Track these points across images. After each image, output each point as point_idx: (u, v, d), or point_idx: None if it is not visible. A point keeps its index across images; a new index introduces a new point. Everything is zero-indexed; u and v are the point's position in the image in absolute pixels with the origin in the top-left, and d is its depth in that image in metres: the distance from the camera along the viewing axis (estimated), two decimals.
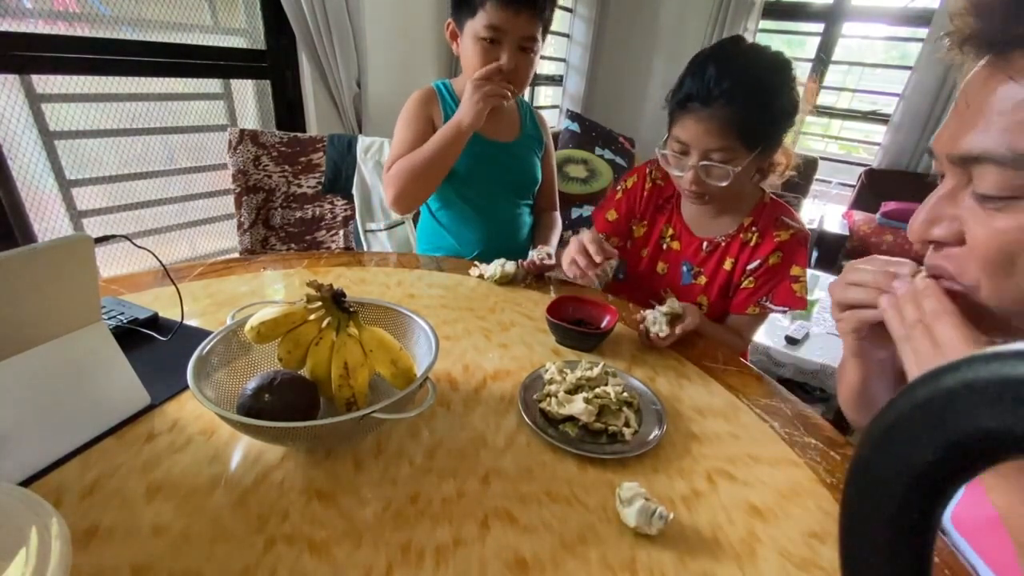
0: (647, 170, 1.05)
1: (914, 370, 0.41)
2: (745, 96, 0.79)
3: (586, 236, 0.88)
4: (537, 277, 1.06)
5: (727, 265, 0.96)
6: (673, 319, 0.80)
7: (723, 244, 0.96)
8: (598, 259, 0.85)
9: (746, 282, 0.95)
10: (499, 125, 1.16)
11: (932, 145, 0.43)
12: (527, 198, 1.24)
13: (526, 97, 1.24)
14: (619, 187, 1.10)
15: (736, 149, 0.82)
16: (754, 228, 0.94)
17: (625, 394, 0.66)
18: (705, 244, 0.98)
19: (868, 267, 0.48)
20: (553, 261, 1.03)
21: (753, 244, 0.94)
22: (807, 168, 2.84)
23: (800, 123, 0.87)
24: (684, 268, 1.01)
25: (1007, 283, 0.38)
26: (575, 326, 0.82)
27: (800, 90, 0.84)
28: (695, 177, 0.85)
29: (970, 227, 0.39)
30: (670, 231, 1.02)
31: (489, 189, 1.17)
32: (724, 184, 0.84)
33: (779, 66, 0.82)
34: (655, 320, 0.81)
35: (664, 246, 1.03)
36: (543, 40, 1.04)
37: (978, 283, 0.40)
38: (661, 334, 0.80)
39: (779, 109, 0.83)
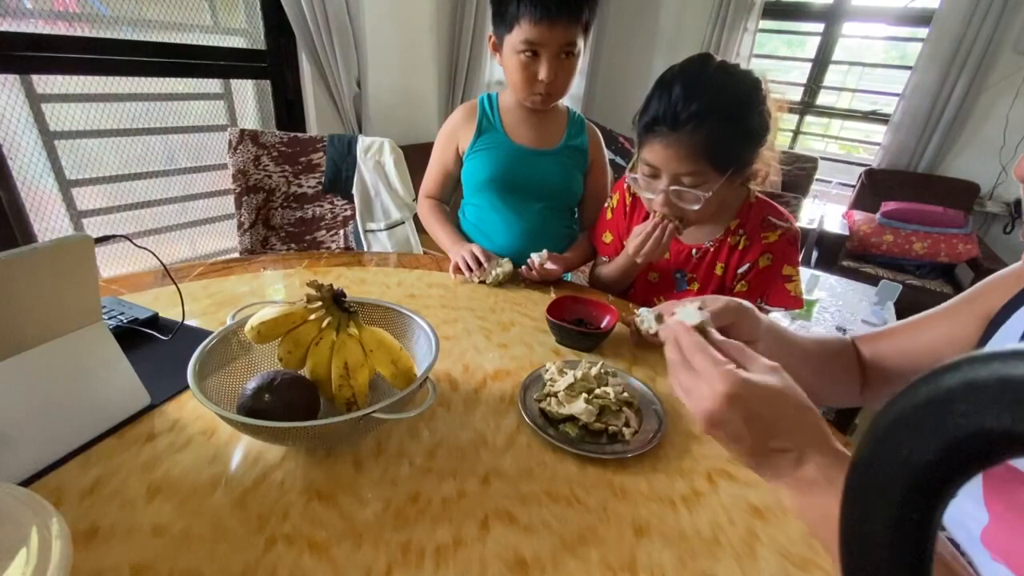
0: (625, 185, 1.04)
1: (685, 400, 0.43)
2: (714, 120, 0.75)
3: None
4: (539, 281, 1.05)
5: (718, 270, 0.95)
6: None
7: (712, 249, 0.95)
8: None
9: (739, 286, 0.94)
10: (537, 131, 1.15)
11: None
12: (561, 208, 1.22)
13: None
14: (606, 206, 1.09)
15: (706, 173, 0.79)
16: (741, 231, 0.92)
17: (625, 394, 0.66)
18: (694, 251, 0.96)
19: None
20: (555, 267, 1.02)
21: (741, 247, 0.92)
22: (807, 168, 2.84)
23: (774, 137, 0.83)
24: (677, 275, 1.00)
25: None
26: (575, 326, 0.82)
27: (773, 105, 0.81)
28: (666, 200, 0.83)
29: None
30: None
31: (516, 194, 1.16)
32: (695, 207, 0.81)
33: (748, 86, 0.78)
34: (644, 319, 0.81)
35: None
36: (586, 39, 1.02)
37: None
38: (651, 331, 0.80)
39: (749, 131, 0.79)
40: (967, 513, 0.49)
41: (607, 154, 1.25)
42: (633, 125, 0.85)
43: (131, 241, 0.66)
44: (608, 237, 1.08)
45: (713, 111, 0.75)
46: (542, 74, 0.99)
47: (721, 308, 0.57)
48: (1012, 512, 0.46)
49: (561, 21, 0.94)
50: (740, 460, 0.42)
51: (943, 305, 0.64)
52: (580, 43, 1.00)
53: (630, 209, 1.03)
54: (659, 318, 0.81)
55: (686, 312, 0.51)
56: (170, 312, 0.77)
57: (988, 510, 0.48)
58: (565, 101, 1.19)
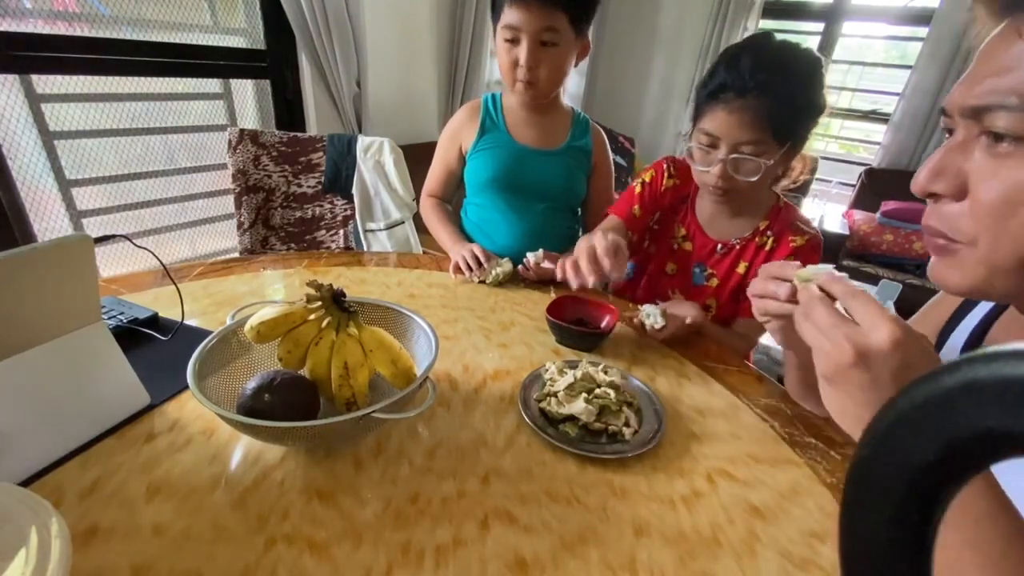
0: (664, 166, 1.02)
1: (816, 339, 0.44)
2: (780, 88, 0.77)
3: (601, 242, 0.79)
4: (539, 281, 1.05)
5: (740, 268, 0.95)
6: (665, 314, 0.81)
7: (738, 247, 0.95)
8: (608, 269, 0.78)
9: None
10: (540, 132, 1.14)
11: (946, 103, 0.44)
12: (563, 209, 1.22)
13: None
14: (637, 182, 1.06)
15: (767, 142, 0.80)
16: (769, 232, 0.93)
17: (625, 394, 0.66)
18: (720, 246, 0.96)
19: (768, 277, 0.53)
20: (552, 267, 1.02)
21: (768, 248, 0.93)
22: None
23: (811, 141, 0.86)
24: (696, 269, 1.00)
25: (1005, 236, 0.39)
26: (575, 326, 0.82)
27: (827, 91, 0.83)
28: (723, 171, 0.83)
29: (974, 180, 0.40)
30: (682, 232, 1.00)
31: (518, 194, 1.16)
32: (753, 179, 0.82)
33: (812, 62, 0.81)
34: (649, 313, 0.81)
35: (675, 247, 1.01)
36: (577, 29, 1.00)
37: (971, 239, 0.41)
38: (656, 326, 0.80)
39: (811, 105, 0.81)
40: None
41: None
42: (690, 99, 0.87)
43: (131, 241, 0.66)
44: (637, 211, 1.03)
45: (780, 79, 0.78)
46: (521, 59, 0.99)
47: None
48: None
49: (536, 4, 0.94)
50: (852, 416, 0.41)
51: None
52: (565, 33, 0.98)
53: (665, 190, 1.02)
54: (664, 313, 0.81)
55: (826, 268, 0.51)
56: (170, 312, 0.77)
57: None
58: (567, 101, 1.19)
